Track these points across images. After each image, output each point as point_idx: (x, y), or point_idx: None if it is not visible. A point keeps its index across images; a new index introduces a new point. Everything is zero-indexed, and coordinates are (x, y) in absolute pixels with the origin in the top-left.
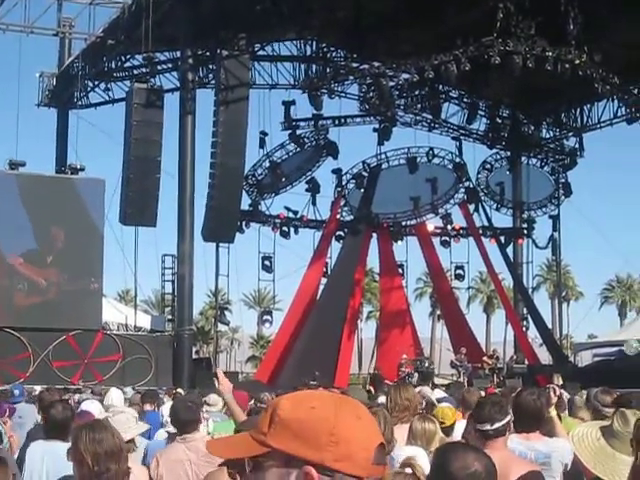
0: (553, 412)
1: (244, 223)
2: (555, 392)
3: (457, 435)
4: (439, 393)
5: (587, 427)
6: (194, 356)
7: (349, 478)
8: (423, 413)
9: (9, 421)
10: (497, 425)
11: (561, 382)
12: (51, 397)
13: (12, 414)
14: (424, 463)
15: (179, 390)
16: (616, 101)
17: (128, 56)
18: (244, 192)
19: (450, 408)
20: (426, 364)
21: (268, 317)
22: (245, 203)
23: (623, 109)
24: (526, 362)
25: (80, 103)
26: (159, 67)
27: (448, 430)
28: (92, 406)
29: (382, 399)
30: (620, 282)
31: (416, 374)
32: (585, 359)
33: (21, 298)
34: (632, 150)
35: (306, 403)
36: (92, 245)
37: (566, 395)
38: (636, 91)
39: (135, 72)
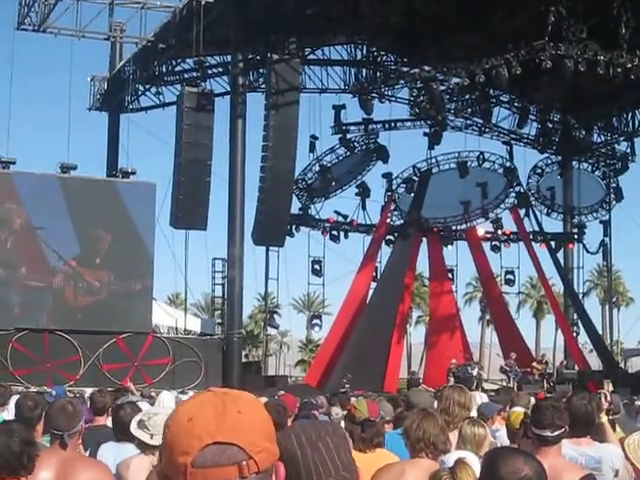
0: (604, 418)
1: (294, 227)
2: (606, 398)
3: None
4: (482, 398)
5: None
6: (243, 360)
7: None
8: (473, 418)
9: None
10: (558, 432)
11: (611, 388)
12: (103, 399)
13: (88, 422)
14: (475, 467)
15: None
16: None
17: (179, 60)
18: (294, 196)
19: (521, 412)
20: (470, 369)
21: (317, 321)
22: (295, 207)
23: None
24: (576, 368)
25: (131, 107)
26: (210, 71)
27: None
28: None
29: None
30: None
31: (452, 379)
32: (635, 365)
33: (78, 298)
34: None
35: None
36: (142, 248)
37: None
38: None
39: (186, 76)
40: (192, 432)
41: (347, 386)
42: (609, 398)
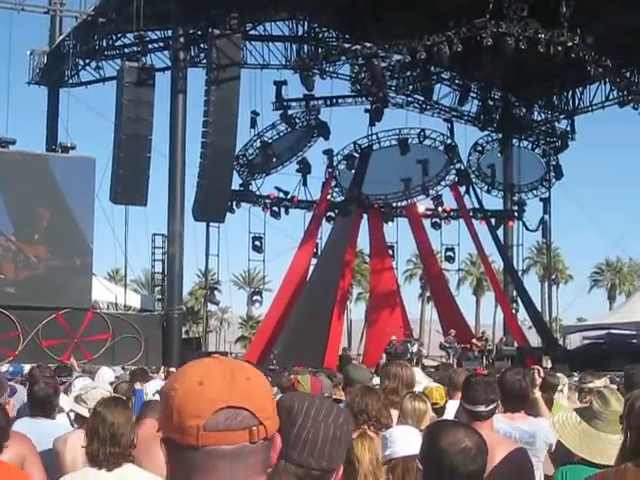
0: (538, 393)
1: (235, 203)
2: (540, 373)
3: (449, 415)
4: (419, 374)
5: (565, 412)
6: (183, 336)
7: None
8: (414, 392)
9: (11, 401)
10: (491, 407)
11: (550, 365)
12: (42, 374)
13: (13, 394)
14: (416, 440)
15: (172, 369)
16: (608, 84)
17: (119, 34)
18: (235, 172)
19: (441, 388)
20: (410, 345)
21: (258, 297)
22: (236, 183)
23: (615, 92)
24: (515, 344)
25: (71, 81)
26: (150, 46)
27: (440, 410)
28: (83, 384)
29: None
30: (610, 265)
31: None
32: (574, 342)
33: (17, 272)
34: (623, 133)
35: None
36: (81, 223)
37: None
38: (628, 74)
39: (126, 51)
40: (204, 395)
41: (274, 362)
42: (542, 373)
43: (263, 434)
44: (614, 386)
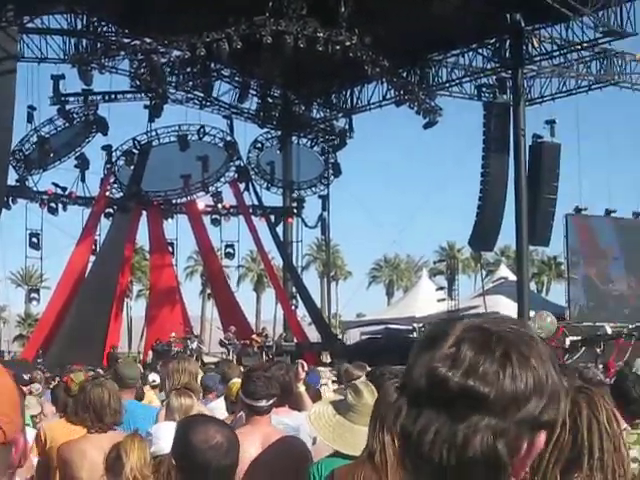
0: (302, 387)
1: (11, 199)
2: (303, 367)
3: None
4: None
5: (321, 405)
6: None
7: None
8: (180, 388)
9: None
10: (271, 402)
11: (329, 360)
12: None
13: None
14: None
15: None
16: (385, 83)
17: None
18: (11, 167)
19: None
20: (190, 342)
21: (35, 295)
22: (12, 179)
23: (392, 91)
24: (295, 340)
25: None
26: None
27: None
28: None
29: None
30: (388, 262)
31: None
32: (353, 337)
33: None
34: (400, 132)
35: None
36: None
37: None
38: (405, 74)
39: None
40: None
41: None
42: (306, 367)
43: (1, 438)
44: None
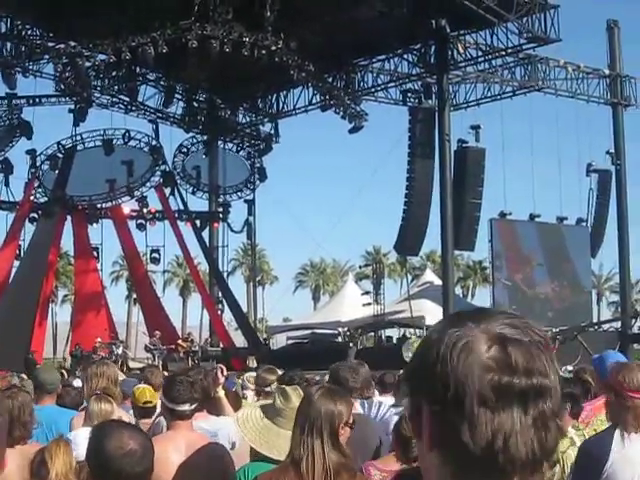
0: (221, 392)
1: None
2: (223, 372)
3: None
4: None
5: (249, 408)
6: None
7: None
8: (100, 394)
9: None
10: (194, 405)
11: (256, 364)
12: None
13: None
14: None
15: None
16: (311, 88)
17: None
18: None
19: (150, 388)
20: (115, 348)
21: None
22: None
23: (318, 96)
24: (221, 345)
25: None
26: None
27: (153, 409)
28: None
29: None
30: (314, 266)
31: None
32: (280, 342)
33: None
34: (326, 136)
35: None
36: None
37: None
38: (331, 79)
39: None
40: None
41: None
42: (225, 373)
43: None
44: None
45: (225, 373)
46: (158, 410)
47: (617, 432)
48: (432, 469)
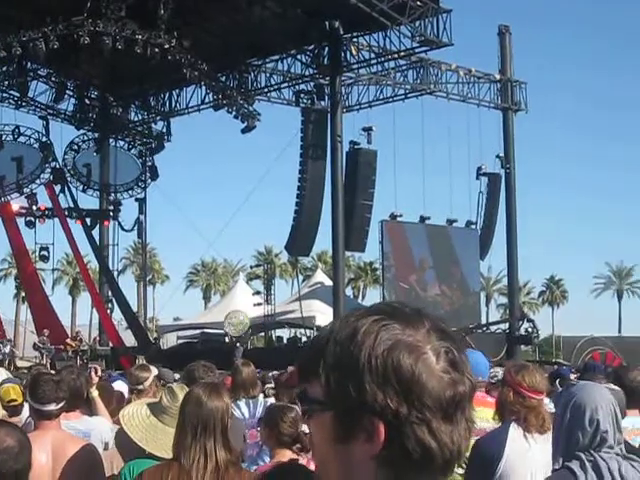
0: (95, 392)
1: None
2: (97, 372)
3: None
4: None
5: (135, 405)
6: None
7: None
8: None
9: None
10: (61, 405)
11: (143, 362)
12: None
13: None
14: None
15: None
16: (204, 87)
17: None
18: None
19: (17, 386)
20: (2, 346)
21: None
22: None
23: (211, 95)
24: (110, 344)
25: None
26: None
27: (19, 408)
28: None
29: None
30: (205, 266)
31: None
32: (170, 341)
33: None
34: (219, 136)
35: None
36: None
37: None
38: (224, 78)
39: None
40: None
41: None
42: (99, 372)
43: None
44: None
45: (99, 373)
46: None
47: (511, 429)
48: (363, 473)
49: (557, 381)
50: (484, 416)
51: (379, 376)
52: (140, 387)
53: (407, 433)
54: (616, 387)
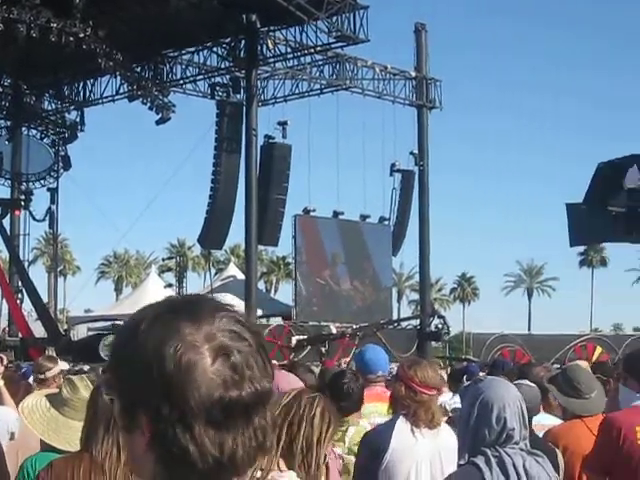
0: (0, 382)
1: None
2: (2, 362)
3: None
4: None
5: (35, 397)
6: None
7: None
8: None
9: None
10: None
11: (55, 355)
12: None
13: None
14: None
15: None
16: (119, 77)
17: None
18: None
19: None
20: None
21: None
22: None
23: (125, 86)
24: (20, 335)
25: None
26: None
27: None
28: None
29: None
30: (117, 257)
31: None
32: (81, 332)
33: None
34: (134, 127)
35: None
36: None
37: None
38: (139, 69)
39: None
40: None
41: None
42: (5, 362)
43: None
44: None
45: (5, 363)
46: None
47: (399, 423)
48: (146, 464)
49: (464, 377)
50: (381, 411)
51: (146, 372)
52: (42, 376)
53: (168, 432)
54: (532, 384)
